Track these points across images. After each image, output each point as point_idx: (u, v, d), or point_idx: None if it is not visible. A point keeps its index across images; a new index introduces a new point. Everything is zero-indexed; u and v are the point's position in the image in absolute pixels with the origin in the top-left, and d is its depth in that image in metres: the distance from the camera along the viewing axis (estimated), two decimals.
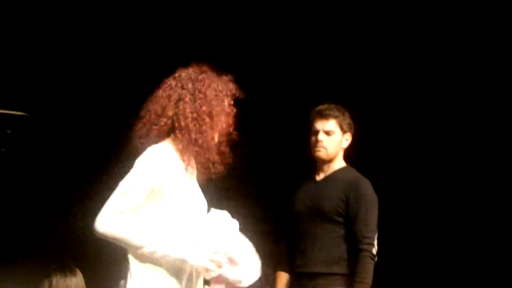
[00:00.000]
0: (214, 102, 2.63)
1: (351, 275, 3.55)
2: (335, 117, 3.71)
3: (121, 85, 5.62)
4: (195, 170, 2.68)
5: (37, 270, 4.25)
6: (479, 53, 5.18)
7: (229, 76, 2.72)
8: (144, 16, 5.33)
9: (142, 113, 2.67)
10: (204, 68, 2.69)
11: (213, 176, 2.70)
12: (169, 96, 2.64)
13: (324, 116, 3.72)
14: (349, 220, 3.60)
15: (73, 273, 3.63)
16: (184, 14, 5.27)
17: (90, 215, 6.05)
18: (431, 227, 5.38)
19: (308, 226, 3.65)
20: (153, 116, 2.63)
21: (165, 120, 2.62)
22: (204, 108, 2.61)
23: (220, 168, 2.68)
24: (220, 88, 2.66)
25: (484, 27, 5.04)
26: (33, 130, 5.52)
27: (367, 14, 5.19)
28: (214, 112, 2.62)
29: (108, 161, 5.82)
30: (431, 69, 5.32)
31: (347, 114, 3.77)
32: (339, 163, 3.78)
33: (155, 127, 2.62)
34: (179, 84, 2.64)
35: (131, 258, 2.56)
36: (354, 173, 3.77)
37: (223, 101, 2.65)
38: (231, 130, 2.70)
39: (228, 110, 2.67)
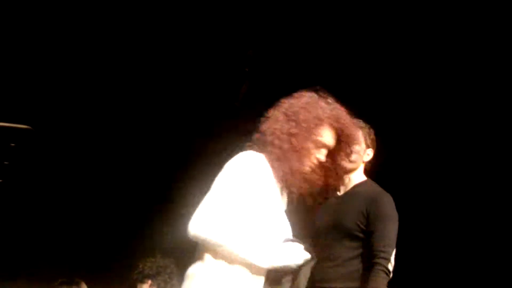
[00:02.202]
0: (305, 131, 2.65)
1: None
2: (361, 127, 3.63)
3: (123, 99, 5.64)
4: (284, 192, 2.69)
5: (40, 285, 4.25)
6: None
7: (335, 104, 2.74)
8: (144, 35, 5.35)
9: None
10: (312, 95, 2.73)
11: (292, 202, 2.70)
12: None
13: None
14: (367, 235, 3.53)
15: (78, 286, 3.66)
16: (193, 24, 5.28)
17: (94, 227, 6.07)
18: (451, 241, 5.36)
19: (327, 242, 3.58)
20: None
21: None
22: (293, 130, 2.64)
23: (301, 195, 2.68)
24: (318, 117, 2.68)
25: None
26: (37, 143, 5.52)
27: (389, 32, 5.19)
28: (303, 138, 2.65)
29: (113, 173, 5.87)
30: (451, 83, 5.30)
31: (372, 130, 3.75)
32: (359, 177, 3.72)
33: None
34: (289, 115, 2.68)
35: (208, 257, 2.52)
36: (375, 188, 3.69)
37: (314, 131, 2.66)
38: (320, 161, 2.69)
39: (319, 139, 2.68)
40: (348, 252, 3.55)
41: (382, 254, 3.45)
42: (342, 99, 2.78)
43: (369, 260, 3.48)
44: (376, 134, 3.74)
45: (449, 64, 5.23)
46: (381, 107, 5.18)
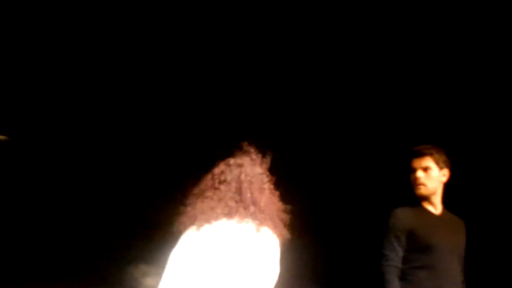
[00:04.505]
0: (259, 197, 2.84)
1: None
2: (430, 154, 3.99)
3: (103, 109, 5.58)
4: None
5: None
6: None
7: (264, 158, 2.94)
8: (129, 47, 5.31)
9: (189, 209, 2.83)
10: (243, 164, 2.90)
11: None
12: (219, 199, 2.82)
13: (420, 154, 4.02)
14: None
15: None
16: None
17: (74, 237, 5.97)
18: None
19: (450, 258, 3.91)
20: (200, 214, 2.79)
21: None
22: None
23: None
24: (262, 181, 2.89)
25: None
26: (16, 154, 5.45)
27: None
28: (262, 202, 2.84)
29: (92, 184, 5.80)
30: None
31: (442, 152, 4.04)
32: (440, 200, 4.07)
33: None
34: (227, 187, 2.84)
35: None
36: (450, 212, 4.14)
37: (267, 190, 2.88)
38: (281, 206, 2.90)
39: (271, 194, 2.89)
40: (460, 268, 3.98)
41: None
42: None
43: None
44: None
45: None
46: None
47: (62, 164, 5.72)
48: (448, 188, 4.08)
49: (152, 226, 5.22)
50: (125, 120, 5.66)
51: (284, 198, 2.96)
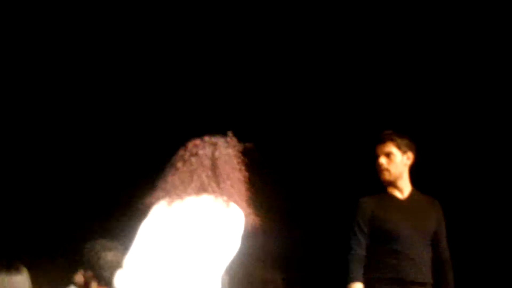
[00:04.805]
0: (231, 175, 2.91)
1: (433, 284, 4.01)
2: (391, 139, 4.03)
3: (78, 92, 5.55)
4: None
5: None
6: None
7: (237, 143, 3.01)
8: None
9: (161, 183, 2.87)
10: (217, 143, 2.97)
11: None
12: (190, 172, 2.87)
13: (381, 140, 4.07)
14: (436, 237, 4.05)
15: (18, 271, 3.54)
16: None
17: (37, 210, 5.86)
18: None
19: (413, 242, 3.94)
20: (172, 189, 2.83)
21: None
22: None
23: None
24: (234, 161, 2.95)
25: None
26: None
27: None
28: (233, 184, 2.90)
29: (60, 164, 5.75)
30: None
31: (404, 136, 4.08)
32: (408, 183, 4.10)
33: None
34: (199, 161, 2.88)
35: None
36: (423, 194, 4.16)
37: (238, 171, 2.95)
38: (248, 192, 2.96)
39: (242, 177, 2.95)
40: (428, 252, 3.98)
41: (448, 253, 4.04)
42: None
43: (439, 257, 4.02)
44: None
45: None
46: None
47: (33, 141, 5.65)
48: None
49: (118, 203, 5.19)
50: (98, 102, 5.62)
51: (254, 181, 3.02)
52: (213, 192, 2.81)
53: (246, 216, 2.85)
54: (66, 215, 5.67)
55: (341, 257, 4.02)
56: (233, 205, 2.81)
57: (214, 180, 2.85)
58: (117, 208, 5.29)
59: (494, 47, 5.12)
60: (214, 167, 2.88)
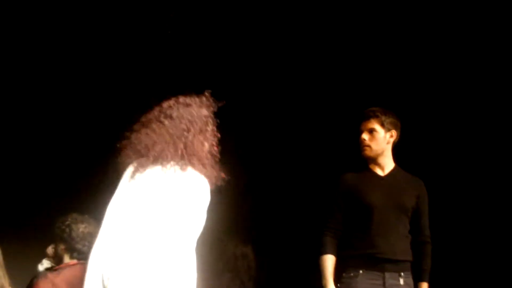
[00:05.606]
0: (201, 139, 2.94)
1: (412, 263, 3.99)
2: (376, 116, 4.00)
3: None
4: None
5: None
6: None
7: (206, 99, 3.02)
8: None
9: (128, 143, 2.88)
10: (191, 104, 2.99)
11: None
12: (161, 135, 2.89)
13: (366, 116, 4.05)
14: (416, 215, 4.01)
15: None
16: None
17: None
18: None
19: (388, 218, 3.93)
20: (142, 148, 2.85)
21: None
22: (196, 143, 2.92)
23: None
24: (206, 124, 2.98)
25: None
26: None
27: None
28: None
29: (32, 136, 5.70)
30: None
31: (389, 113, 4.06)
32: (391, 160, 4.07)
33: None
34: (172, 124, 2.92)
35: None
36: (407, 173, 4.12)
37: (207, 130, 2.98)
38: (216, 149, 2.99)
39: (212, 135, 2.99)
40: (405, 229, 3.96)
41: (428, 232, 4.03)
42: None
43: (417, 236, 4.01)
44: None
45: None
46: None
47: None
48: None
49: (87, 177, 5.16)
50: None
51: (225, 143, 3.04)
52: (174, 159, 2.85)
53: (211, 182, 2.88)
54: (37, 189, 5.63)
55: (316, 232, 4.03)
56: (196, 173, 2.84)
57: (181, 145, 2.89)
58: (86, 181, 5.27)
59: (481, 27, 5.14)
60: (185, 130, 2.92)
